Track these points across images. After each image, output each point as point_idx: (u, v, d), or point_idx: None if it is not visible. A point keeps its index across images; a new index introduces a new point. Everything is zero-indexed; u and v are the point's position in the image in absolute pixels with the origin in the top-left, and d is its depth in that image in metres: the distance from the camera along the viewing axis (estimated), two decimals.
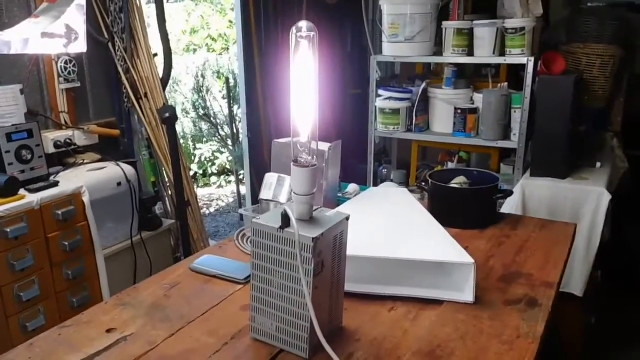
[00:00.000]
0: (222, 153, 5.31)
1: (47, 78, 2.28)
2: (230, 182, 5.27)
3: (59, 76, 2.29)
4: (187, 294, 1.11)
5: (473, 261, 1.04)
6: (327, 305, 0.91)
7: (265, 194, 1.42)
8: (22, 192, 1.81)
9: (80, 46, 2.12)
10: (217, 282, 1.15)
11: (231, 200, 4.90)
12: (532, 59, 2.31)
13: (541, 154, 2.19)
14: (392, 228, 1.23)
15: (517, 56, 2.37)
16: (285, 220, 0.85)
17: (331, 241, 0.87)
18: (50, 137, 2.17)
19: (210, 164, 5.34)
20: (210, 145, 5.35)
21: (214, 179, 5.33)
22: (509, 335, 0.94)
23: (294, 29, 0.85)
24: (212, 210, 4.71)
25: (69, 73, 2.31)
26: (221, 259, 1.26)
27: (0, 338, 1.68)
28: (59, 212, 1.85)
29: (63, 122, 2.33)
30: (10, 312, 1.73)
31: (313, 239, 0.82)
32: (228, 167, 5.32)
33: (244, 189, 4.00)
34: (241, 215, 4.36)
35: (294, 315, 0.87)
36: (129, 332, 0.96)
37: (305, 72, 0.86)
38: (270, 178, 1.43)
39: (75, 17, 2.06)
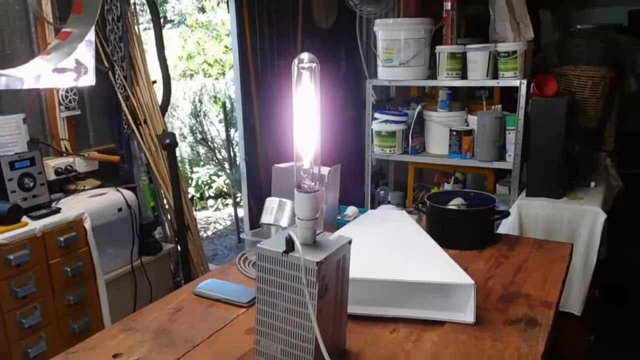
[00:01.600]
0: (219, 176, 5.34)
1: (48, 106, 2.31)
2: (227, 204, 5.28)
3: (60, 104, 2.33)
4: (191, 318, 1.12)
5: (473, 282, 1.06)
6: (330, 327, 0.92)
7: (266, 218, 1.44)
8: (24, 219, 1.82)
9: (89, 79, 2.18)
10: (220, 306, 1.17)
11: (228, 223, 4.91)
12: (525, 81, 2.36)
13: (536, 174, 2.23)
14: (392, 250, 1.25)
15: (509, 79, 2.42)
16: (290, 245, 0.87)
17: (334, 264, 0.89)
18: (51, 164, 2.19)
19: (207, 187, 5.36)
20: (207, 168, 5.38)
21: (210, 202, 5.34)
22: (509, 356, 0.96)
23: (295, 60, 0.88)
24: (209, 233, 4.71)
25: (70, 101, 2.34)
26: (224, 283, 1.27)
27: None
28: (61, 239, 1.86)
29: (64, 149, 2.35)
30: (13, 339, 1.72)
31: (317, 262, 0.84)
32: (225, 190, 5.34)
33: (242, 212, 4.02)
34: (239, 238, 4.37)
35: (298, 337, 0.88)
36: (135, 357, 0.96)
37: (307, 102, 0.89)
38: (272, 202, 1.46)
39: (85, 52, 2.14)
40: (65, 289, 1.90)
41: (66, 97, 2.32)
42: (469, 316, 1.06)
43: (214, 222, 4.96)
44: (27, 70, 2.00)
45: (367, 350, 0.98)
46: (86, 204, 2.07)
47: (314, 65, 0.88)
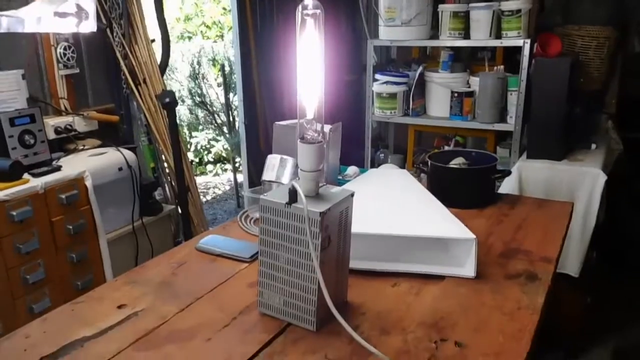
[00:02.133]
0: (217, 141, 5.31)
1: (47, 64, 2.28)
2: (226, 170, 5.28)
3: (58, 62, 2.29)
4: (194, 272, 1.13)
5: (474, 236, 1.06)
6: (333, 279, 0.93)
7: (267, 175, 1.43)
8: (25, 176, 1.82)
9: (90, 25, 2.11)
10: (222, 261, 1.17)
11: (227, 188, 4.91)
12: (528, 41, 2.32)
13: (537, 136, 2.22)
14: (394, 206, 1.26)
15: (513, 38, 2.38)
16: (293, 196, 0.87)
17: (337, 216, 0.89)
18: (51, 123, 2.17)
19: (206, 152, 5.34)
20: (206, 133, 5.34)
21: (210, 167, 5.33)
22: (510, 307, 0.97)
23: (299, 7, 0.86)
24: (208, 197, 4.72)
25: (68, 59, 2.30)
26: (226, 239, 1.27)
27: (8, 320, 1.71)
28: (63, 197, 1.86)
29: (63, 108, 2.33)
30: (18, 294, 1.75)
31: (320, 213, 0.84)
32: (224, 155, 5.32)
33: (241, 177, 4.02)
34: (238, 202, 4.39)
35: (301, 289, 0.89)
36: (140, 307, 0.98)
37: (311, 50, 0.87)
38: (273, 159, 1.45)
39: None
40: (68, 246, 1.92)
41: (64, 54, 2.28)
42: (469, 270, 1.07)
43: (213, 187, 4.96)
44: (27, 12, 1.93)
45: (368, 303, 0.99)
46: (87, 163, 2.07)
47: (318, 12, 0.86)
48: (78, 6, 1.99)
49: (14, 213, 1.70)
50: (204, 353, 0.85)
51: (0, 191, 1.69)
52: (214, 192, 4.85)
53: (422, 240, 1.13)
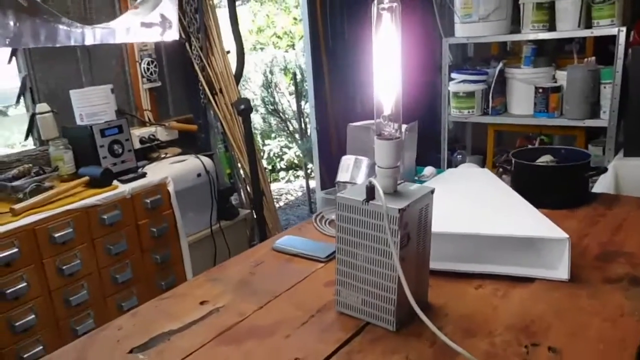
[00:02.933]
0: (289, 148, 5.40)
1: (132, 79, 2.43)
2: (298, 176, 5.35)
3: (142, 76, 2.43)
4: (272, 271, 1.13)
5: (567, 236, 0.98)
6: (412, 279, 0.89)
7: (342, 176, 1.42)
8: (114, 182, 1.95)
9: (173, 34, 2.22)
10: (299, 261, 1.17)
11: (300, 194, 4.97)
12: (624, 28, 2.14)
13: (636, 132, 2.03)
14: (476, 205, 1.19)
15: (606, 27, 2.20)
16: (371, 193, 0.84)
17: (417, 214, 0.86)
18: (137, 134, 2.31)
19: (278, 159, 5.45)
20: (278, 141, 5.45)
21: (282, 174, 5.43)
22: (611, 313, 0.88)
23: (375, 1, 0.85)
24: (281, 204, 4.80)
25: (151, 73, 2.44)
26: (302, 239, 1.27)
27: (99, 316, 1.82)
28: (148, 201, 1.96)
29: (147, 120, 2.46)
30: (108, 293, 1.87)
31: (399, 210, 0.81)
32: (296, 162, 5.40)
33: (313, 183, 4.05)
34: (311, 208, 4.42)
35: (379, 287, 0.87)
36: (221, 304, 1.00)
37: (388, 45, 0.85)
38: (347, 160, 1.43)
39: (169, 6, 2.17)
40: (153, 248, 2.02)
41: (148, 69, 2.42)
42: (562, 273, 0.99)
43: (286, 194, 5.04)
44: (118, 23, 2.07)
45: (450, 305, 0.94)
46: (169, 170, 2.17)
47: (394, 5, 0.84)
48: (162, 16, 2.11)
49: (105, 217, 1.82)
50: (283, 349, 0.84)
51: (93, 197, 1.82)
52: (287, 199, 4.92)
53: (508, 240, 1.06)
